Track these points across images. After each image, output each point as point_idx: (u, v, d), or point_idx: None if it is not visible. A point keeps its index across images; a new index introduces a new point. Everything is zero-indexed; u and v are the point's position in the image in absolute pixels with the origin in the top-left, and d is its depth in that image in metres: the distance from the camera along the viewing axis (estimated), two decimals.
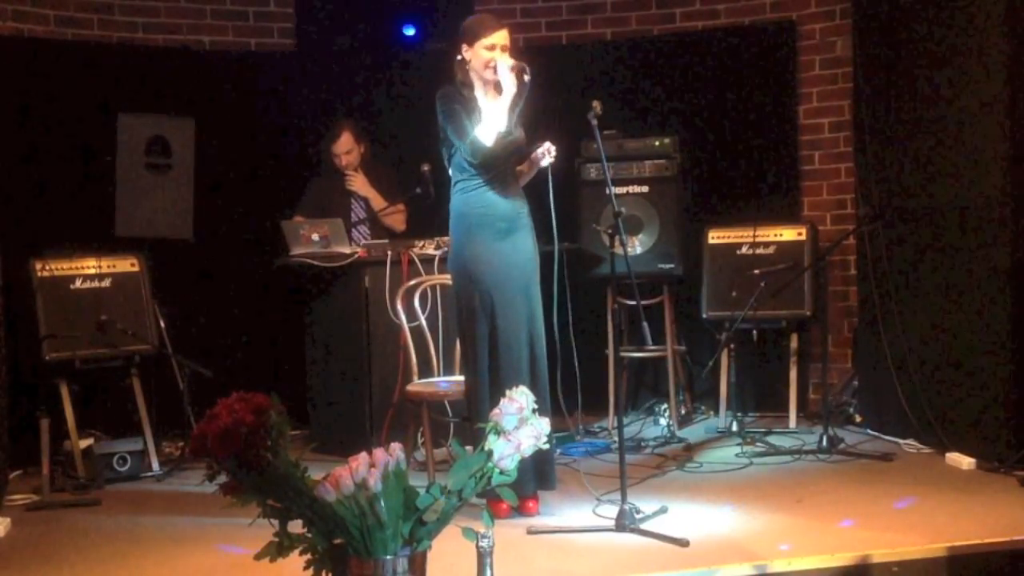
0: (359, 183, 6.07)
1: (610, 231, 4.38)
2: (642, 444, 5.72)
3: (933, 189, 5.34)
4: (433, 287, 5.33)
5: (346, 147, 6.08)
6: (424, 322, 5.15)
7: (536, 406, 2.80)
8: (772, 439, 5.70)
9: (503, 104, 4.40)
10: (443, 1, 6.82)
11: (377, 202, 6.06)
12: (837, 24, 6.43)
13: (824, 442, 5.40)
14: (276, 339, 6.48)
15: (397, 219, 6.10)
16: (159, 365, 5.78)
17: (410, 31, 6.79)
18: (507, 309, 4.41)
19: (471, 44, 4.43)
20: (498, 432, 2.76)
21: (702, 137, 6.63)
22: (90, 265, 5.57)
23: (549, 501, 4.57)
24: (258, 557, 2.78)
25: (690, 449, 5.60)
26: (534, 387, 4.15)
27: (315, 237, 5.64)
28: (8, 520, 4.60)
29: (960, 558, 3.77)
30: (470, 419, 4.43)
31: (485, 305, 4.41)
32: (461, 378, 5.02)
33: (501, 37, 4.41)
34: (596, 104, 4.34)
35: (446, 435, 5.30)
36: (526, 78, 4.37)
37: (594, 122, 4.33)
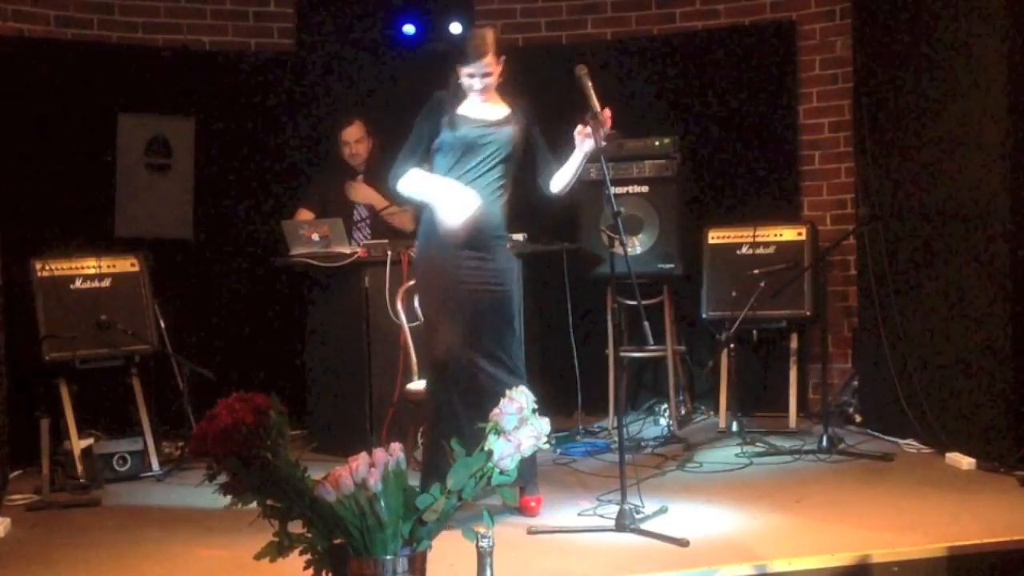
0: (360, 194, 6.07)
1: (610, 231, 4.37)
2: (642, 444, 5.72)
3: (933, 189, 5.34)
4: None
5: (356, 135, 6.09)
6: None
7: (536, 406, 2.79)
8: (772, 439, 5.69)
9: (576, 159, 4.41)
10: (443, 1, 6.82)
11: (379, 203, 6.05)
12: (837, 24, 6.43)
13: (824, 442, 5.40)
14: (276, 339, 6.48)
15: (405, 219, 6.10)
16: (159, 365, 5.78)
17: (410, 30, 6.79)
18: (446, 326, 4.32)
19: (459, 66, 4.39)
20: (498, 432, 2.77)
21: (702, 137, 6.62)
22: (90, 265, 5.56)
23: (549, 501, 4.57)
24: (258, 557, 2.78)
25: (690, 449, 5.60)
26: (471, 411, 4.11)
27: (315, 237, 5.64)
28: (8, 520, 4.60)
29: (960, 558, 3.77)
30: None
31: (433, 317, 4.40)
32: None
33: (478, 68, 4.32)
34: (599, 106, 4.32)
35: None
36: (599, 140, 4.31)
37: (592, 122, 4.31)
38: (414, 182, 4.38)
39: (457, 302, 4.31)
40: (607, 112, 4.26)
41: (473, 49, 4.35)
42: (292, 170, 6.59)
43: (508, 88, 4.48)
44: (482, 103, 4.41)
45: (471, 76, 4.34)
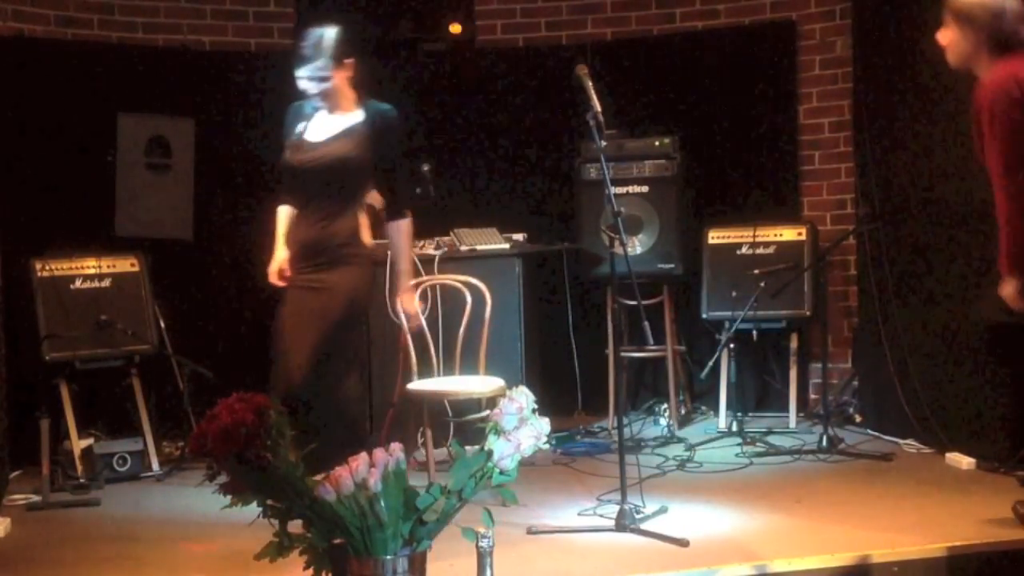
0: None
1: (610, 231, 4.37)
2: (642, 444, 5.72)
3: (933, 189, 5.34)
4: (433, 287, 5.33)
5: None
6: (424, 322, 5.15)
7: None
8: (772, 439, 5.70)
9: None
10: (443, 1, 6.82)
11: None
12: (837, 24, 6.43)
13: (824, 442, 5.40)
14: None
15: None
16: (159, 365, 5.78)
17: (410, 31, 6.80)
18: (280, 340, 4.19)
19: (341, 62, 4.17)
20: (498, 432, 2.76)
21: (702, 137, 6.62)
22: (90, 265, 5.56)
23: (550, 501, 4.57)
24: (258, 557, 2.78)
25: (690, 449, 5.60)
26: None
27: None
28: (8, 520, 4.60)
29: (960, 558, 3.77)
30: None
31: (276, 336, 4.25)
32: (462, 377, 5.03)
33: (309, 71, 4.16)
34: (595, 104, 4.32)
35: (446, 435, 5.31)
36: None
37: (592, 122, 4.32)
38: (277, 219, 4.37)
39: (290, 322, 4.16)
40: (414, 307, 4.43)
41: (303, 51, 4.14)
42: None
43: (368, 92, 4.23)
44: (328, 114, 4.23)
45: (301, 80, 4.15)
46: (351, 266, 4.21)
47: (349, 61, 4.16)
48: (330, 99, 4.19)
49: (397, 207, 4.36)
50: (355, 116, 4.22)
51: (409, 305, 4.48)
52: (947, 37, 3.98)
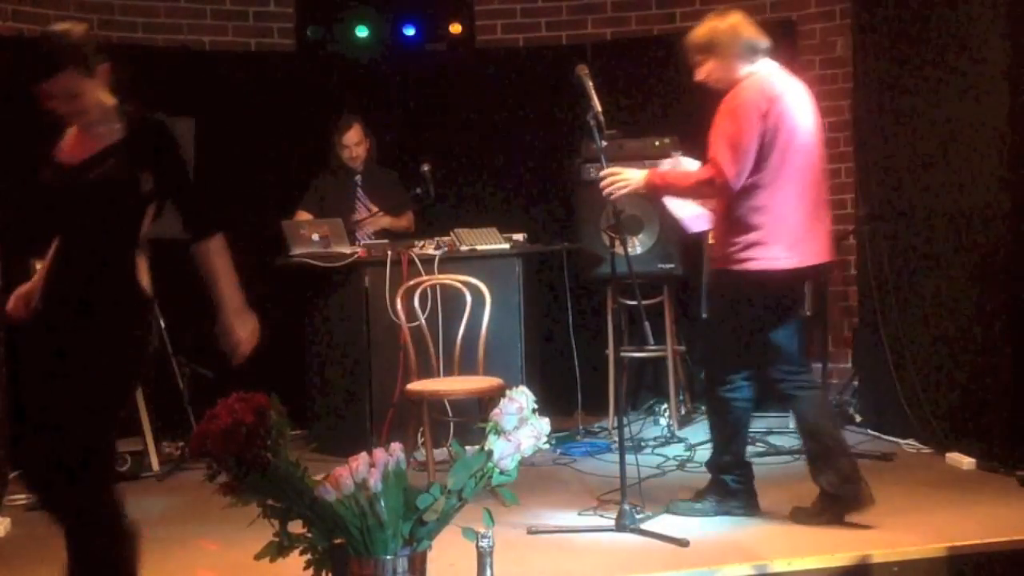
0: (374, 223, 6.08)
1: (611, 231, 4.37)
2: (642, 444, 5.72)
3: (932, 189, 5.34)
4: (433, 287, 5.33)
5: (356, 139, 6.10)
6: (424, 322, 5.16)
7: None
8: (772, 439, 5.70)
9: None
10: (443, 2, 6.83)
11: (390, 224, 6.10)
12: (837, 24, 6.43)
13: None
14: (276, 339, 6.45)
15: (404, 222, 6.12)
16: (159, 365, 5.77)
17: (410, 31, 6.81)
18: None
19: (93, 70, 3.29)
20: (498, 432, 2.77)
21: (702, 137, 6.60)
22: None
23: (550, 501, 4.57)
24: (258, 557, 2.79)
25: (690, 449, 5.60)
26: None
27: (315, 237, 5.65)
28: (8, 520, 4.60)
29: (960, 558, 3.77)
30: None
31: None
32: (462, 377, 5.03)
33: (52, 87, 3.24)
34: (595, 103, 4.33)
35: (446, 435, 5.31)
36: None
37: (593, 122, 4.32)
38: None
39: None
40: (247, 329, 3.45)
41: (39, 62, 3.24)
42: (292, 170, 6.58)
43: (135, 103, 3.43)
44: (78, 134, 3.34)
45: (46, 98, 3.22)
46: (109, 329, 3.32)
47: (103, 67, 3.30)
48: (83, 116, 3.28)
49: (202, 225, 3.59)
50: (111, 137, 3.30)
51: (242, 328, 3.51)
52: (703, 72, 4.37)
